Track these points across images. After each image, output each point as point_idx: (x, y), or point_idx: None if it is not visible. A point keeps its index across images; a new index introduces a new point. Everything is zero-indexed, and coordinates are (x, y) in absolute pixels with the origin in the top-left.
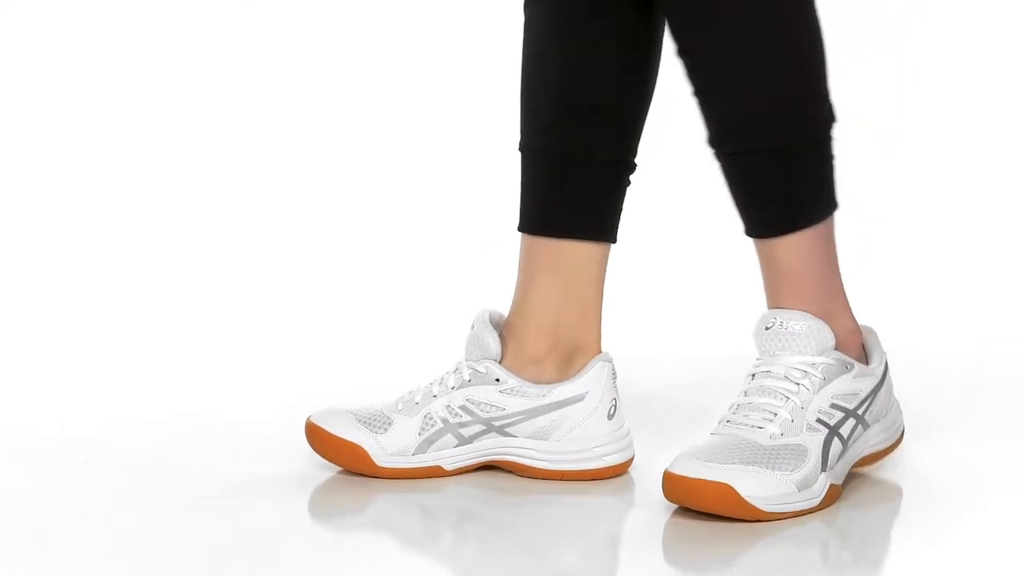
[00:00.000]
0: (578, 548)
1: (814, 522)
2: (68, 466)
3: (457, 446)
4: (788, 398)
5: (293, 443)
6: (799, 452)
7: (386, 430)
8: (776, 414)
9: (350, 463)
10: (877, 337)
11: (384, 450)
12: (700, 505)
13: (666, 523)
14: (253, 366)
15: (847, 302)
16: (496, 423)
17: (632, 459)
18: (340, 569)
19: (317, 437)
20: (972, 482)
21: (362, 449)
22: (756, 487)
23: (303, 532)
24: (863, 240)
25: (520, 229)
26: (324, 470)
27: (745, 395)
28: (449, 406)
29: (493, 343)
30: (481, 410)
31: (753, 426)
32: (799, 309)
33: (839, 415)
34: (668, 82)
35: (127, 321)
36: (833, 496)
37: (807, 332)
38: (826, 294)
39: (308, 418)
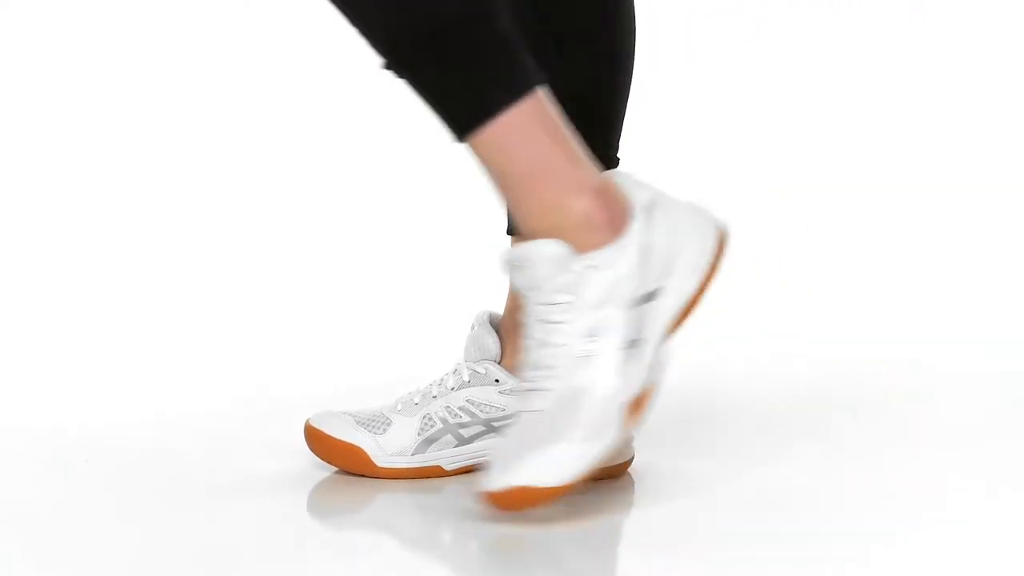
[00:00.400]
0: (580, 548)
1: (812, 524)
2: (68, 466)
3: (457, 446)
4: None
5: (294, 443)
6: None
7: (385, 431)
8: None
9: (350, 464)
10: (635, 183)
11: (383, 450)
12: None
13: (667, 523)
14: (253, 366)
15: (580, 169)
16: (496, 424)
17: (631, 460)
18: (340, 569)
19: (316, 439)
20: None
21: (361, 450)
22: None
23: (304, 532)
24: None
25: (509, 233)
26: (324, 470)
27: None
28: (449, 407)
29: (493, 344)
30: (481, 411)
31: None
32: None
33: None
34: (659, 81)
35: (127, 321)
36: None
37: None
38: (544, 185)
39: (307, 421)
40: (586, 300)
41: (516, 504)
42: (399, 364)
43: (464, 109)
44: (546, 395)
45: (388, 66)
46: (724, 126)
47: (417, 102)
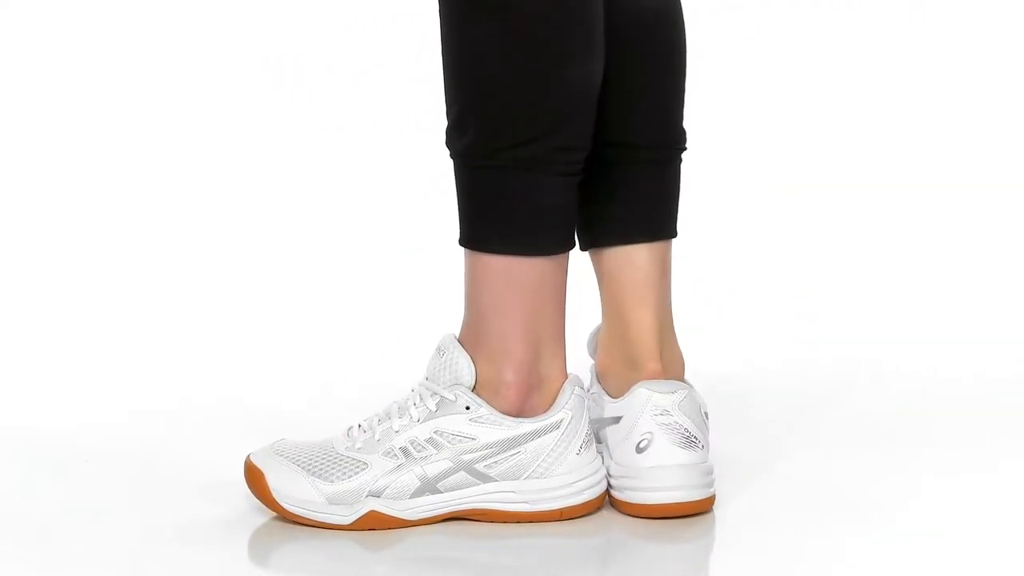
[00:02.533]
0: (568, 553)
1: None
2: (68, 466)
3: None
4: (390, 418)
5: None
6: (356, 467)
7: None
8: (371, 428)
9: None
10: (575, 390)
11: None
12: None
13: (668, 522)
14: (253, 365)
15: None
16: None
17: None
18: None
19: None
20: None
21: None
22: (283, 483)
23: (304, 531)
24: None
25: (583, 249)
26: None
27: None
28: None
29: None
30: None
31: (348, 430)
32: None
33: (430, 450)
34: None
35: (127, 321)
36: (369, 522)
37: (446, 360)
38: (495, 327)
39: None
40: (441, 426)
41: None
42: (387, 369)
43: (469, 225)
44: (347, 440)
45: (449, 140)
46: (724, 125)
47: (425, 127)
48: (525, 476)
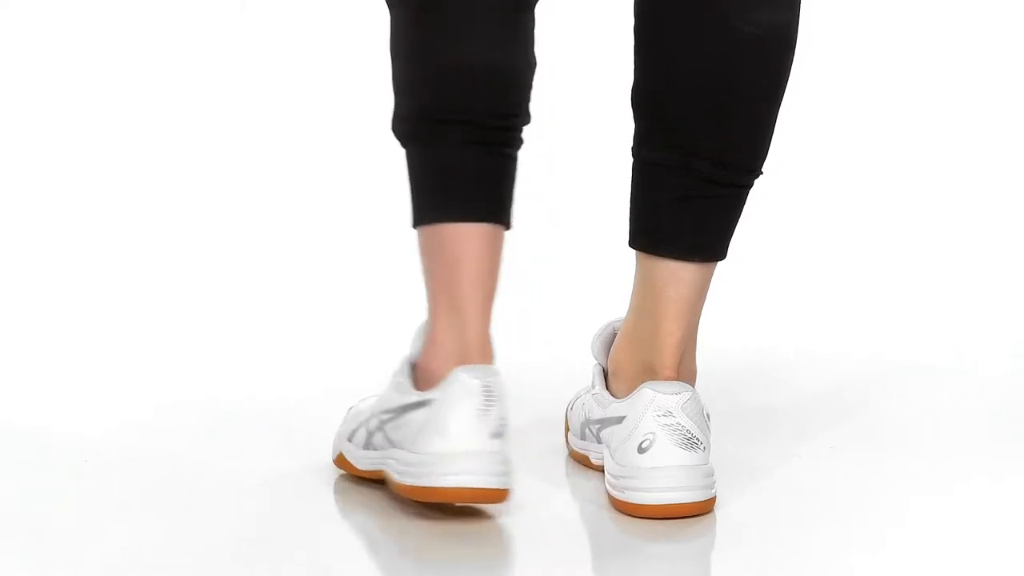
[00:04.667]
0: (564, 550)
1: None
2: (68, 466)
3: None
4: None
5: (293, 441)
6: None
7: None
8: None
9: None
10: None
11: None
12: None
13: (666, 523)
14: (254, 364)
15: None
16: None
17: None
18: (354, 561)
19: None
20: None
21: None
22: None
23: (307, 531)
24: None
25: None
26: (324, 471)
27: None
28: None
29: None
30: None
31: None
32: None
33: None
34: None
35: (127, 320)
36: (340, 462)
37: None
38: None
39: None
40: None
41: None
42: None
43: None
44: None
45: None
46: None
47: None
48: (405, 447)
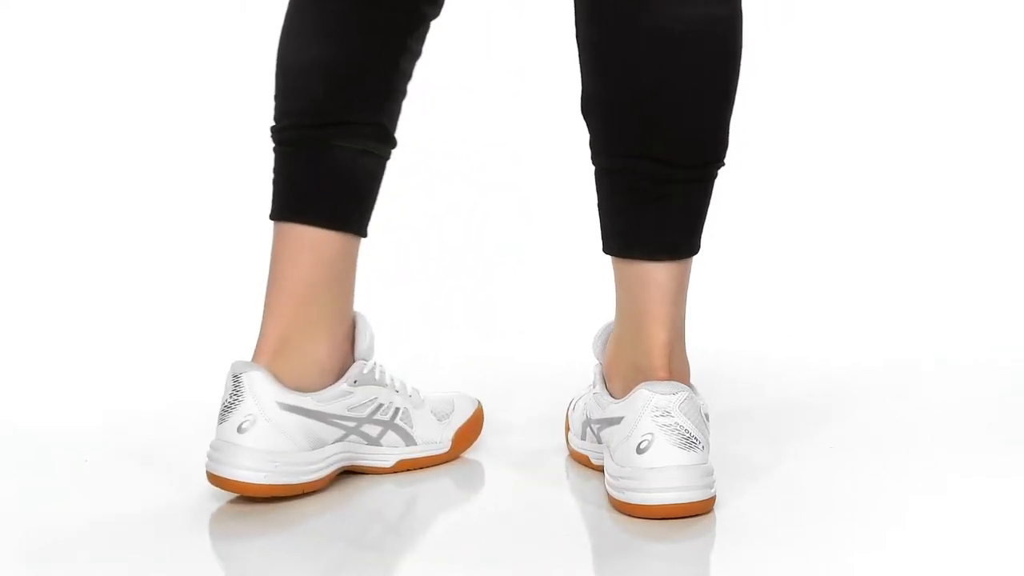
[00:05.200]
0: (563, 548)
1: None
2: (68, 466)
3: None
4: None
5: None
6: None
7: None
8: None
9: None
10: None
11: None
12: None
13: (666, 524)
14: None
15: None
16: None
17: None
18: (356, 562)
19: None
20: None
21: None
22: None
23: (307, 529)
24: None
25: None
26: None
27: None
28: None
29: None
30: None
31: None
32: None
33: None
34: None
35: (127, 321)
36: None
37: None
38: None
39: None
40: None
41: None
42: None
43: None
44: None
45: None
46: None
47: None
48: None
